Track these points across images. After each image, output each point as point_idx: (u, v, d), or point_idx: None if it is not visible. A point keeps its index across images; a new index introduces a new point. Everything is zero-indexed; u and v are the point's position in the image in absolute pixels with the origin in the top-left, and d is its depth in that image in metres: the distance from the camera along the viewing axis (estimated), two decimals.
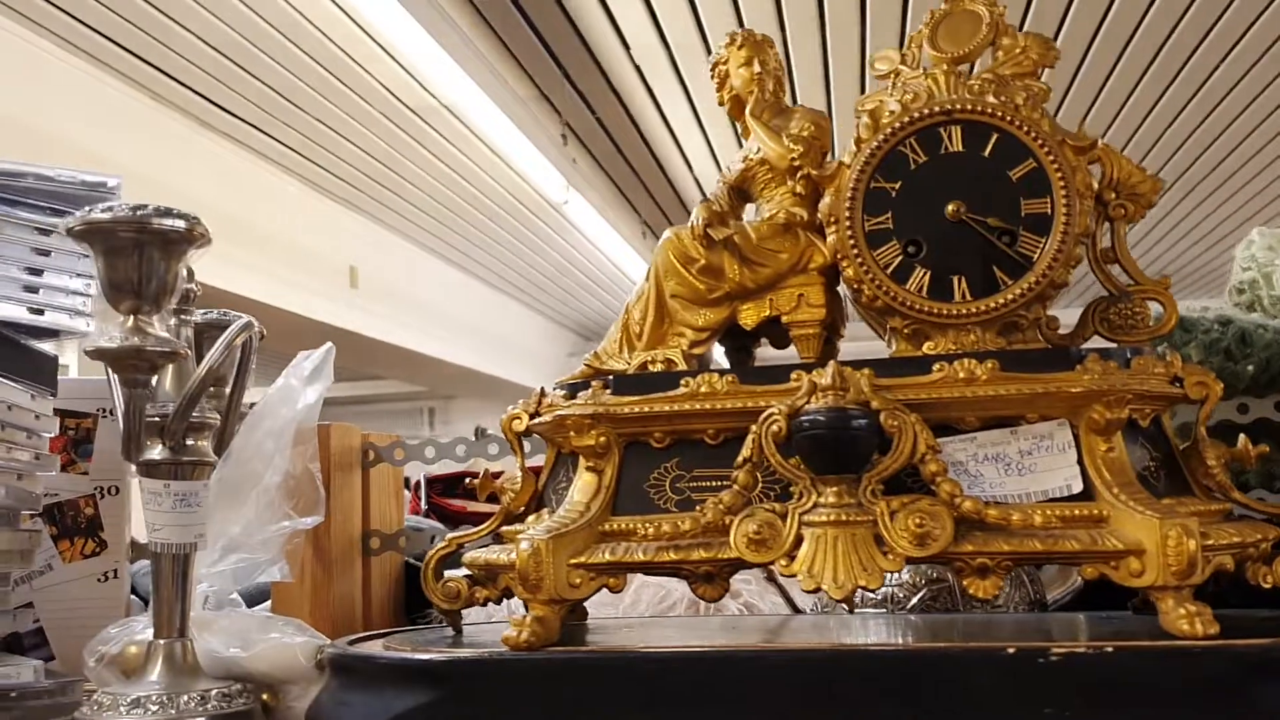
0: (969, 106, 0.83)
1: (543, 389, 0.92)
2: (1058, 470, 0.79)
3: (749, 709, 0.71)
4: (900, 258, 0.84)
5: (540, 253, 6.83)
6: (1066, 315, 0.88)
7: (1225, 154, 5.32)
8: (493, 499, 0.93)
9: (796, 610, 1.13)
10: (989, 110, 0.83)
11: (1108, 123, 4.78)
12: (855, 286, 0.85)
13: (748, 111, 0.93)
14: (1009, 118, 0.82)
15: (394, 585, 1.27)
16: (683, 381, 0.84)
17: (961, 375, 0.79)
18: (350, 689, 0.81)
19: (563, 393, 0.89)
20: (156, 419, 0.87)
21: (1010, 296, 0.82)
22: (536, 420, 0.90)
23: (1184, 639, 0.70)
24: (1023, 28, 0.96)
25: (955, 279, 0.83)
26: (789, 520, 0.78)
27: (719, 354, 0.98)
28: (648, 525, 0.81)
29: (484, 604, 0.88)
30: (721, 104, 0.97)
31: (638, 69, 4.24)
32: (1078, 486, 0.78)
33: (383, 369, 7.81)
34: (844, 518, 0.77)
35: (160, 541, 0.87)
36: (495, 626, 0.96)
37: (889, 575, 0.99)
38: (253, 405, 0.99)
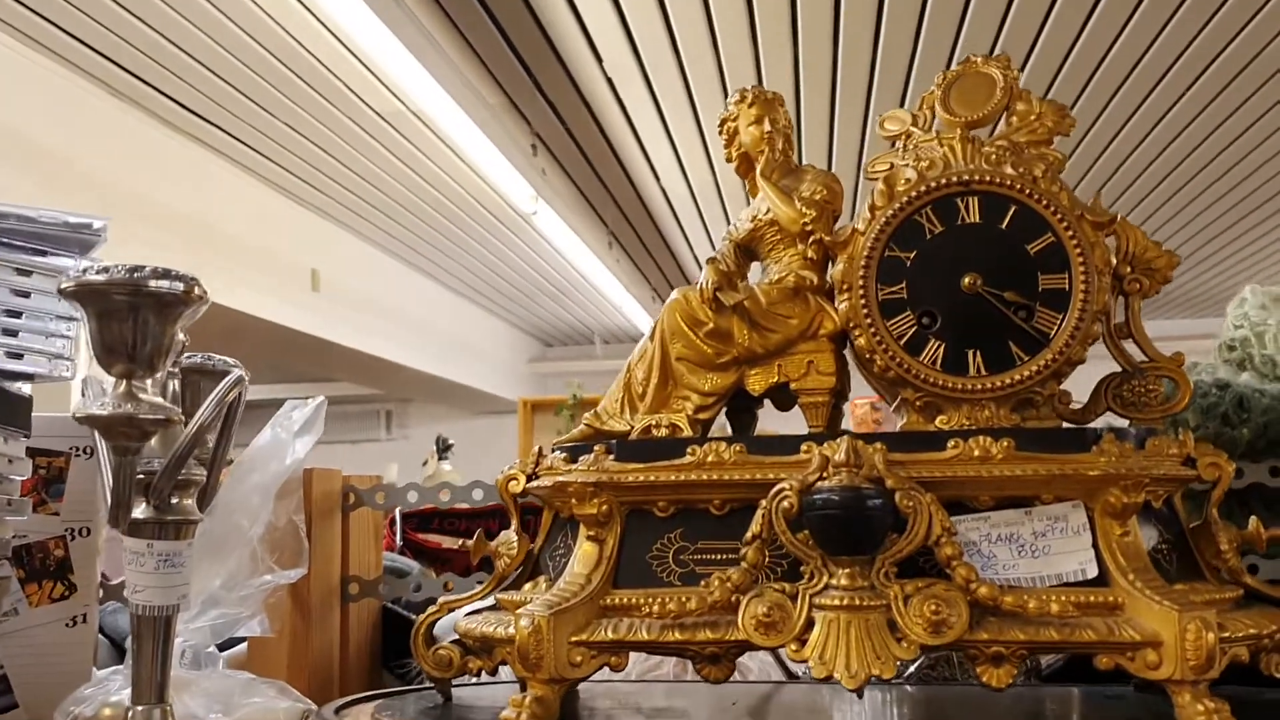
0: (987, 177, 0.82)
1: (540, 449, 0.89)
2: (1072, 554, 0.77)
3: None
4: (914, 329, 0.82)
5: (505, 260, 6.78)
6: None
7: (1199, 169, 5.38)
8: (486, 561, 0.90)
9: (789, 673, 1.11)
10: (1007, 182, 0.81)
11: (1079, 136, 4.82)
12: (868, 356, 0.84)
13: (758, 171, 0.91)
14: (1028, 190, 0.81)
15: (372, 631, 1.23)
16: (689, 450, 0.82)
17: (977, 453, 0.78)
18: None
19: (562, 455, 0.86)
20: (141, 476, 0.83)
21: (1026, 373, 0.81)
22: (534, 483, 0.87)
23: None
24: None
25: (970, 353, 0.82)
26: (799, 602, 0.76)
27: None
28: (652, 601, 0.79)
29: (477, 674, 0.85)
30: (729, 160, 0.95)
31: (609, 81, 4.21)
32: (1093, 571, 0.76)
33: (342, 372, 7.72)
34: (857, 601, 0.75)
35: (142, 604, 0.83)
36: (486, 691, 0.93)
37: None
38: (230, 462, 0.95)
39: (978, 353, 0.82)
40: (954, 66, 0.92)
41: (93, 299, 0.70)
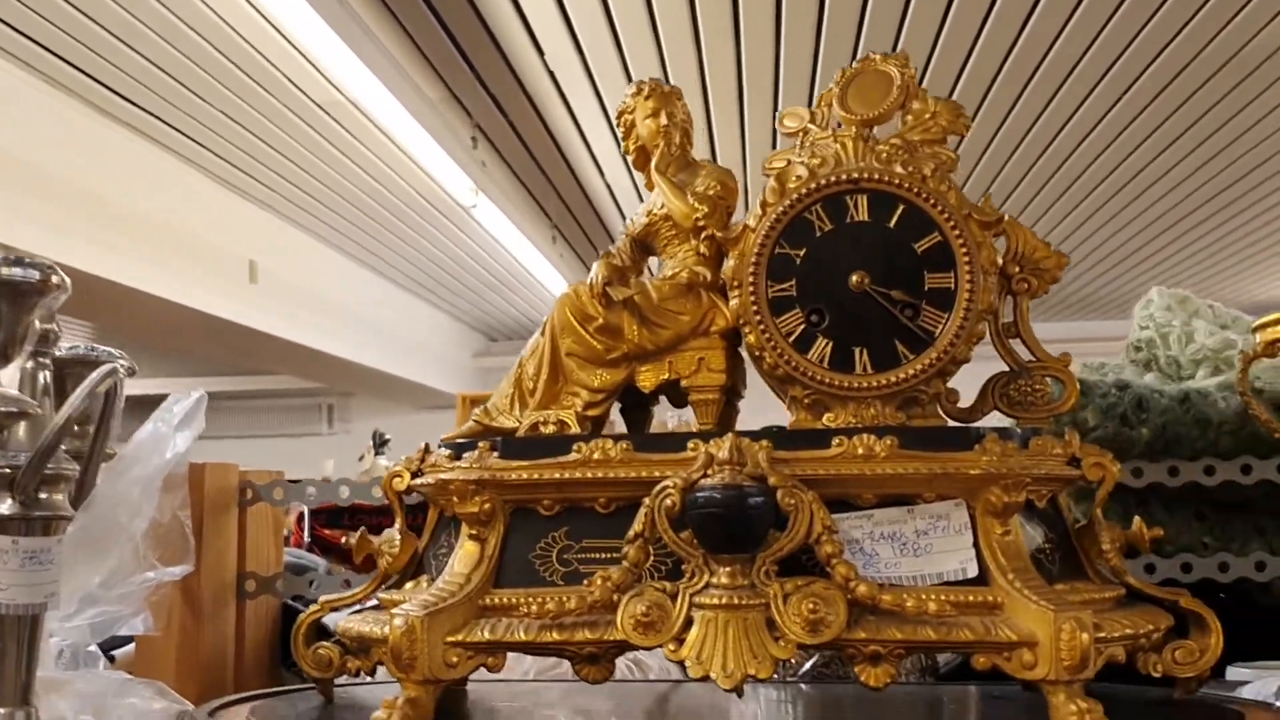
0: (876, 176, 0.81)
1: (427, 445, 0.87)
2: (953, 553, 0.77)
3: None
4: (803, 326, 0.82)
5: (447, 253, 6.72)
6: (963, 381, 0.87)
7: (1107, 174, 5.45)
8: (370, 560, 0.88)
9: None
10: (896, 181, 0.81)
11: (984, 143, 4.86)
12: (757, 354, 0.83)
13: (653, 165, 0.90)
14: (916, 189, 0.81)
15: (270, 630, 1.21)
16: (575, 447, 0.81)
17: (861, 451, 0.77)
18: None
19: (447, 452, 0.85)
20: (6, 470, 0.80)
21: (911, 371, 0.80)
22: (418, 480, 0.85)
23: None
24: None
25: (857, 351, 0.81)
26: (679, 601, 0.75)
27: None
28: (531, 601, 0.77)
29: (356, 674, 0.83)
30: (627, 153, 0.94)
31: (551, 74, 4.18)
32: (973, 571, 0.76)
33: (281, 365, 7.62)
34: (736, 600, 0.74)
35: (7, 602, 0.81)
36: (373, 691, 0.91)
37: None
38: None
39: (864, 351, 0.81)
40: (854, 64, 0.91)
41: None
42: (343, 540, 1.48)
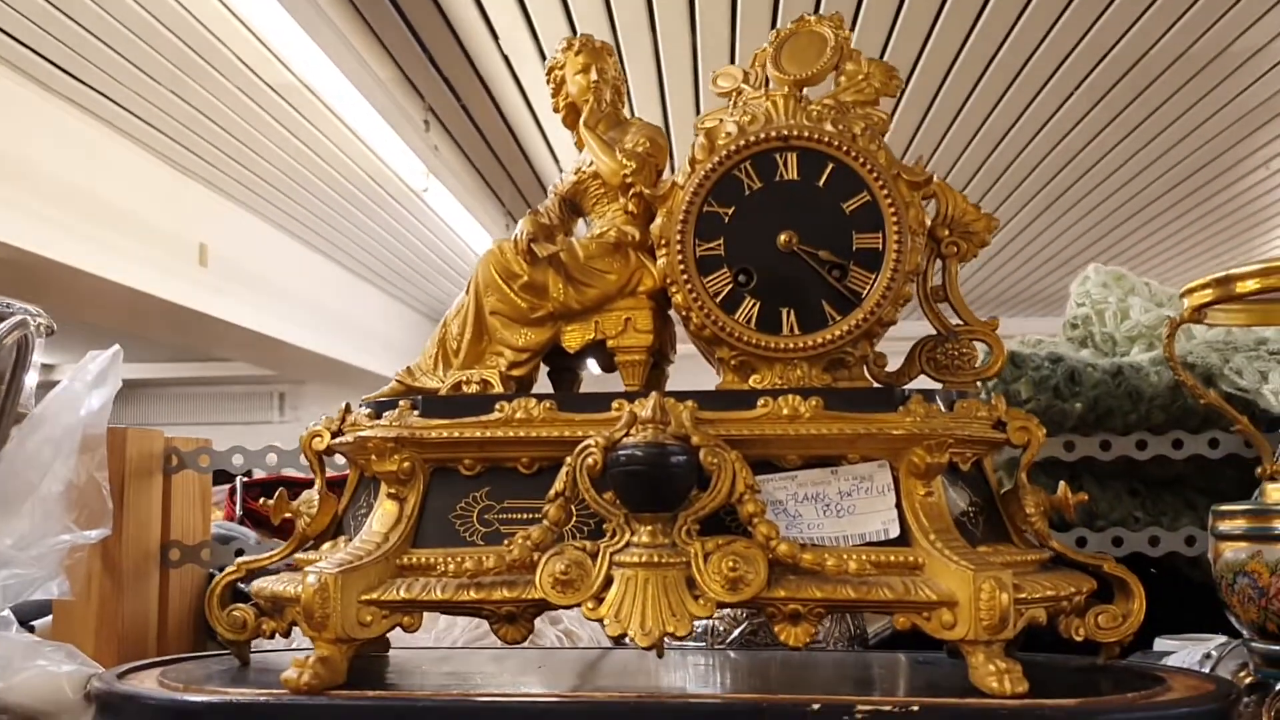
0: (806, 134, 0.80)
1: (348, 405, 0.86)
2: (876, 513, 0.76)
3: None
4: (730, 286, 0.81)
5: (400, 238, 6.66)
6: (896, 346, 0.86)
7: (1055, 172, 5.49)
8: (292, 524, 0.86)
9: (617, 642, 1.08)
10: (825, 139, 0.80)
11: (939, 138, 4.88)
12: (684, 314, 0.82)
13: (581, 121, 0.88)
14: (845, 148, 0.80)
15: (195, 600, 1.18)
16: (497, 406, 0.79)
17: (785, 412, 0.76)
18: None
19: (368, 411, 0.83)
20: None
21: (837, 333, 0.80)
22: (338, 439, 0.84)
23: (992, 697, 0.69)
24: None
25: (784, 311, 0.80)
26: (599, 560, 0.74)
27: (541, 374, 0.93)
28: (449, 560, 0.76)
29: (270, 636, 0.81)
30: (556, 110, 0.92)
31: (505, 58, 4.15)
32: (895, 531, 0.76)
33: (232, 351, 7.53)
34: (656, 559, 0.73)
35: None
36: (290, 656, 0.89)
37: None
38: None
39: (791, 312, 0.80)
40: (789, 25, 0.90)
41: None
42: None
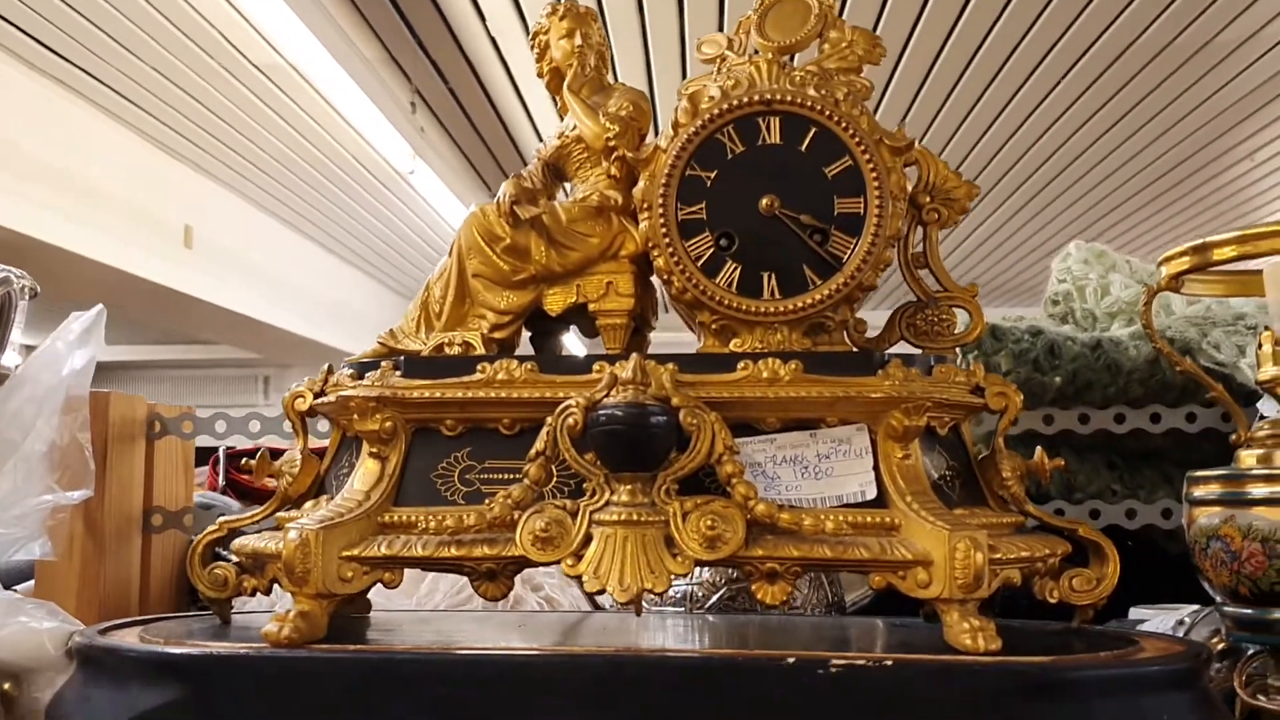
0: (788, 98, 0.80)
1: (330, 366, 0.86)
2: (853, 476, 0.77)
3: (522, 712, 0.68)
4: (712, 250, 0.81)
5: (385, 221, 6.65)
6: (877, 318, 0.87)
7: (1042, 161, 5.50)
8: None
9: (597, 607, 1.09)
10: (808, 104, 0.80)
11: (926, 125, 4.88)
12: (665, 277, 0.82)
13: (565, 86, 0.89)
14: (828, 112, 0.80)
15: (177, 566, 1.18)
16: (479, 367, 0.80)
17: (765, 375, 0.77)
18: (95, 683, 0.74)
19: (350, 371, 0.83)
20: None
21: (818, 297, 0.80)
22: (321, 400, 0.84)
23: (966, 654, 0.69)
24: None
25: (765, 276, 0.81)
26: (579, 518, 0.75)
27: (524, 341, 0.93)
28: (430, 518, 0.76)
29: (252, 594, 0.82)
30: (540, 76, 0.92)
31: (492, 40, 4.14)
32: (872, 493, 0.76)
33: (216, 334, 7.51)
34: (635, 517, 0.74)
35: None
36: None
37: (689, 574, 0.97)
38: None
39: (772, 276, 0.81)
40: None
41: None
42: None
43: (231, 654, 0.71)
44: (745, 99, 0.81)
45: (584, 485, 0.76)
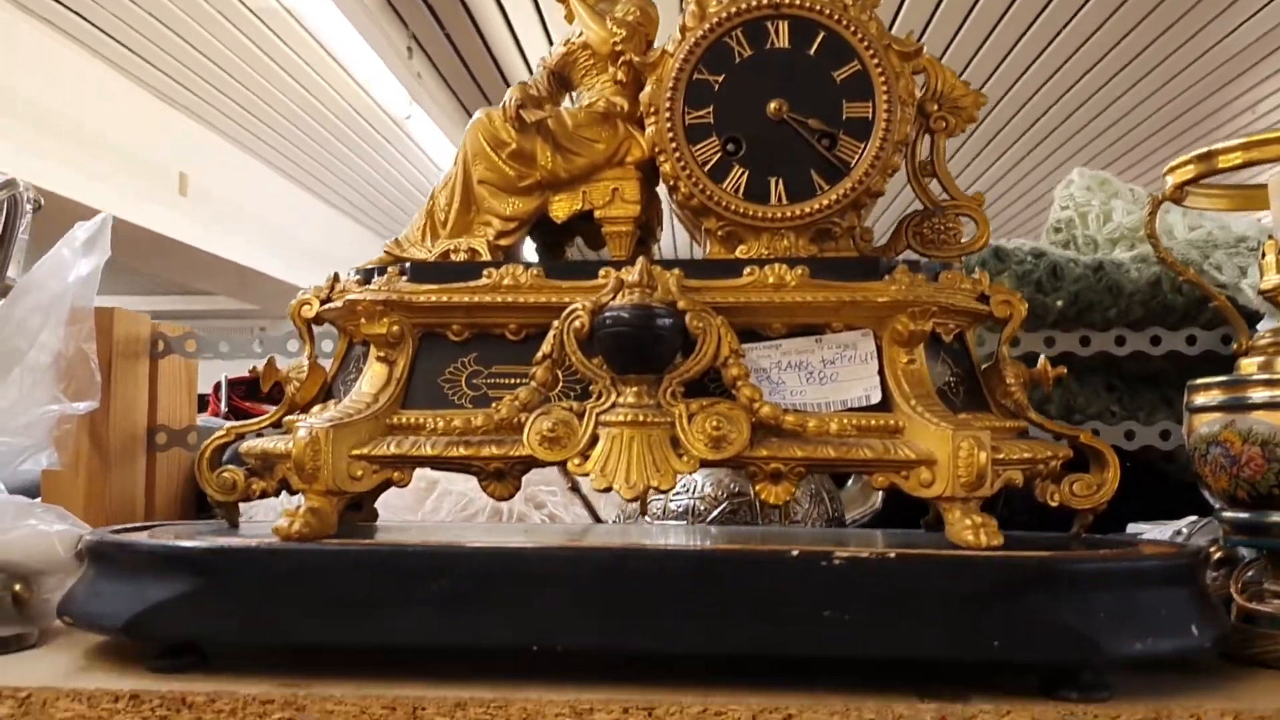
0: (797, 1, 0.80)
1: (336, 274, 0.86)
2: (858, 380, 0.78)
3: (529, 606, 0.68)
4: (719, 155, 0.81)
5: (381, 171, 6.61)
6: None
7: (1045, 110, 5.48)
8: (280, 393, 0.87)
9: (596, 517, 1.10)
10: (817, 7, 0.80)
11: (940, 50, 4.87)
12: (672, 183, 0.82)
13: None
14: (837, 16, 0.80)
15: (183, 485, 1.19)
16: (485, 272, 0.80)
17: (771, 280, 0.77)
18: (106, 578, 0.75)
19: (357, 277, 0.83)
20: None
21: (826, 202, 0.80)
22: (327, 306, 0.84)
23: (968, 549, 0.70)
24: None
25: (773, 181, 0.81)
26: (585, 419, 0.75)
27: (530, 253, 0.93)
28: (438, 420, 0.77)
29: (260, 496, 0.82)
30: None
31: None
32: (876, 397, 0.77)
33: (212, 283, 7.49)
34: (641, 418, 0.74)
35: None
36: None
37: (690, 488, 0.98)
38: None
39: (780, 181, 0.81)
40: None
41: None
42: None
43: (243, 547, 0.72)
44: (754, 2, 0.81)
45: (590, 389, 0.77)
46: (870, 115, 0.80)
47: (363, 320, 0.80)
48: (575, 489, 1.13)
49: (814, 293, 0.77)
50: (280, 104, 5.49)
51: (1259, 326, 0.98)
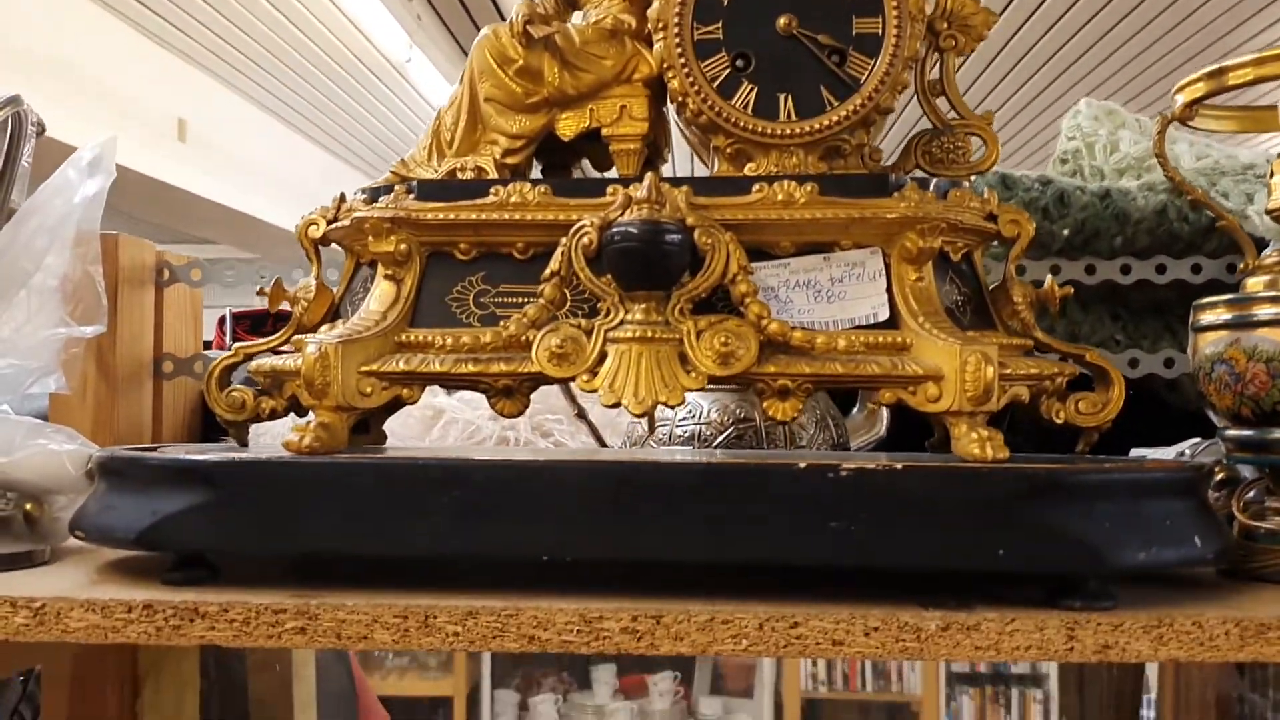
0: None
1: (343, 194, 0.86)
2: (866, 298, 0.78)
3: (540, 517, 0.69)
4: (728, 71, 0.81)
5: (380, 116, 6.58)
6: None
7: (1055, 13, 5.43)
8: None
9: (602, 444, 1.11)
10: None
11: None
12: (680, 99, 0.82)
13: None
14: None
15: (189, 415, 1.20)
16: (492, 190, 0.80)
17: (780, 197, 0.77)
18: (118, 492, 0.75)
19: (363, 196, 0.83)
20: None
21: (835, 118, 0.80)
22: (334, 225, 0.84)
23: (974, 462, 0.71)
24: None
25: (782, 97, 0.80)
26: (594, 336, 0.76)
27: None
28: (446, 337, 0.77)
29: (270, 416, 0.83)
30: None
31: None
32: (884, 314, 0.77)
33: (213, 231, 7.47)
34: (649, 334, 0.74)
35: None
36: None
37: (696, 414, 0.98)
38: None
39: (789, 97, 0.80)
40: None
41: None
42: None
43: (254, 459, 0.73)
44: None
45: (598, 307, 0.77)
46: (880, 31, 0.79)
47: (370, 238, 0.80)
48: (582, 416, 1.13)
49: (823, 209, 0.77)
50: (279, 49, 5.45)
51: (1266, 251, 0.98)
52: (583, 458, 0.78)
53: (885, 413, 1.10)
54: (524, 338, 0.76)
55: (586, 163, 0.92)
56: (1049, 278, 0.84)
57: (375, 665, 4.09)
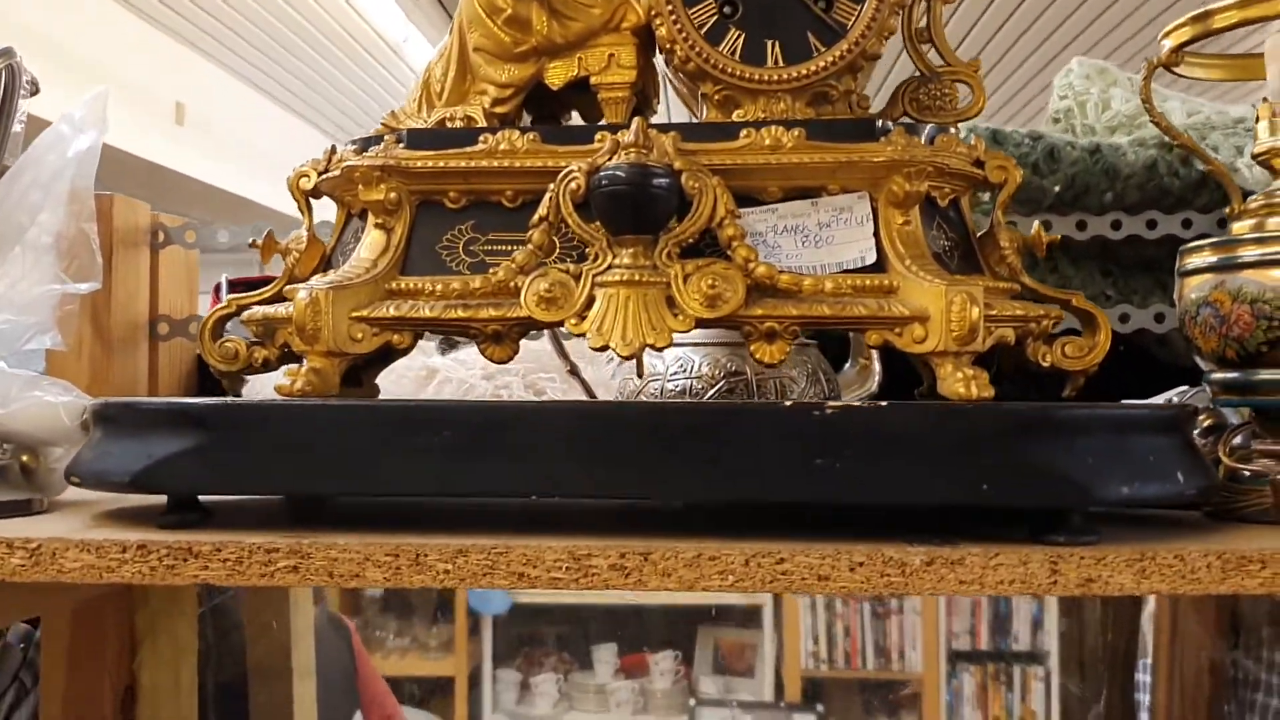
0: None
1: (334, 146, 0.86)
2: (854, 243, 0.78)
3: (529, 458, 0.70)
4: (715, 18, 0.81)
5: (377, 98, 6.57)
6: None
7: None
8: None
9: (591, 395, 1.11)
10: None
11: None
12: (668, 46, 0.82)
13: None
14: None
15: (184, 377, 1.21)
16: (481, 138, 0.80)
17: (768, 142, 0.77)
18: (113, 438, 0.76)
19: (353, 147, 0.84)
20: None
21: (822, 64, 0.80)
22: (325, 176, 0.84)
23: (959, 401, 0.71)
24: None
25: (769, 43, 0.81)
26: (582, 280, 0.76)
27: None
28: (436, 284, 0.78)
29: (263, 366, 0.83)
30: None
31: None
32: (871, 258, 0.77)
33: (210, 214, 7.48)
34: (637, 278, 0.75)
35: None
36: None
37: (688, 368, 0.99)
38: None
39: (776, 44, 0.81)
40: None
41: None
42: None
43: (246, 403, 0.73)
44: None
45: (586, 253, 0.77)
46: None
47: (360, 187, 0.80)
48: (575, 373, 1.13)
49: (810, 154, 0.77)
50: (277, 31, 5.44)
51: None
52: (573, 401, 0.78)
53: (878, 367, 1.11)
54: (513, 283, 0.76)
55: (577, 116, 0.93)
56: (1035, 223, 0.85)
57: (376, 645, 4.11)
